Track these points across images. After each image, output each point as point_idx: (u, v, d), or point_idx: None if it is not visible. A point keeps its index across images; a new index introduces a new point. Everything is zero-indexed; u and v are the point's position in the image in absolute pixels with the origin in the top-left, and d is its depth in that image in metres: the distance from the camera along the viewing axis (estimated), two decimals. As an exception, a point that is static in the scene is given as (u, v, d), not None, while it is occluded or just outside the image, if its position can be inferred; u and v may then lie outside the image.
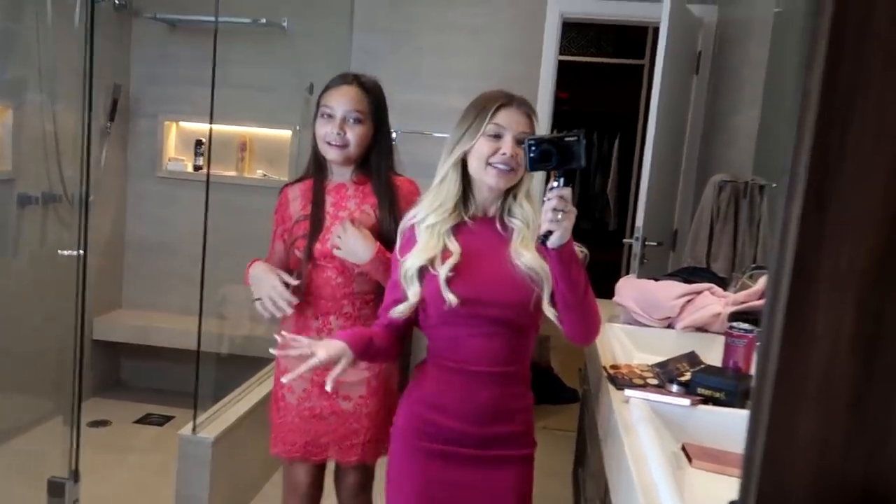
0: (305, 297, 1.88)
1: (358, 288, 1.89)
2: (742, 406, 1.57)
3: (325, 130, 1.85)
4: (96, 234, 3.26)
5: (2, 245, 3.24)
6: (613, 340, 2.11)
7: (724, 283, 2.38)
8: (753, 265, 2.44)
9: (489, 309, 1.53)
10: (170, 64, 3.91)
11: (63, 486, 2.15)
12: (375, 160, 1.91)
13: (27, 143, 3.19)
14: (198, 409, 2.60)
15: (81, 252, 2.19)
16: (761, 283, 2.17)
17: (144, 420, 3.62)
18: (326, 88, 1.89)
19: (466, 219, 1.59)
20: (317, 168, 1.92)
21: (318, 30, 3.80)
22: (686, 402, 1.54)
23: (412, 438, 1.62)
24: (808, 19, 0.58)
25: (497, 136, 1.53)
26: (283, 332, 1.61)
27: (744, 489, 0.65)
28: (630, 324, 2.28)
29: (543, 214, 1.38)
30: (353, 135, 1.85)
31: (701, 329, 2.16)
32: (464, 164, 1.57)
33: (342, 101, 1.85)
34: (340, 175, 1.92)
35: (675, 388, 1.61)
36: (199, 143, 3.96)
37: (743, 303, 2.10)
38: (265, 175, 3.87)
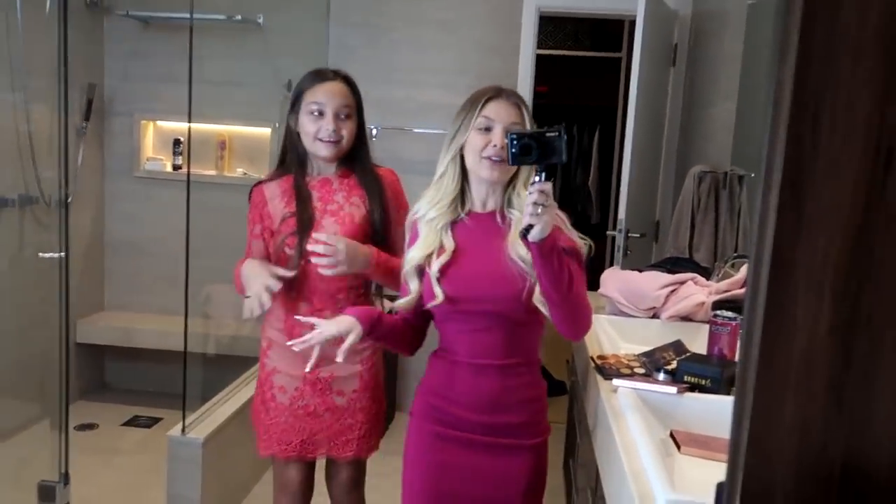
0: (299, 295, 1.88)
1: (351, 282, 1.89)
2: (728, 392, 1.60)
3: (317, 127, 1.84)
4: (76, 235, 3.23)
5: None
6: (599, 331, 2.13)
7: (706, 273, 2.42)
8: (735, 254, 2.48)
9: (481, 304, 1.56)
10: (143, 62, 3.88)
11: (54, 489, 2.15)
12: (359, 153, 1.93)
13: (1, 145, 3.16)
14: (186, 410, 2.60)
15: (63, 254, 2.17)
16: (743, 271, 2.21)
17: (132, 422, 3.60)
18: (309, 85, 1.87)
19: (464, 214, 1.63)
20: (298, 164, 1.91)
21: (293, 25, 3.79)
22: (673, 389, 1.57)
23: (426, 424, 1.67)
24: (778, 17, 0.60)
25: (487, 129, 1.56)
26: (297, 316, 1.69)
27: (731, 471, 0.67)
28: (615, 315, 2.31)
29: (525, 208, 1.41)
30: (346, 130, 1.87)
31: (685, 318, 2.19)
32: (462, 159, 1.61)
33: (333, 98, 1.85)
34: (324, 170, 1.92)
35: (661, 376, 1.63)
36: (177, 142, 3.94)
37: (726, 291, 2.13)
38: (245, 173, 3.86)
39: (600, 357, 1.83)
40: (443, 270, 1.58)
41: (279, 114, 3.68)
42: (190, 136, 2.87)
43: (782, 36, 0.59)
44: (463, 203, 1.63)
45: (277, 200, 1.89)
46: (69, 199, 2.31)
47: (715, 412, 1.52)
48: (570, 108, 6.07)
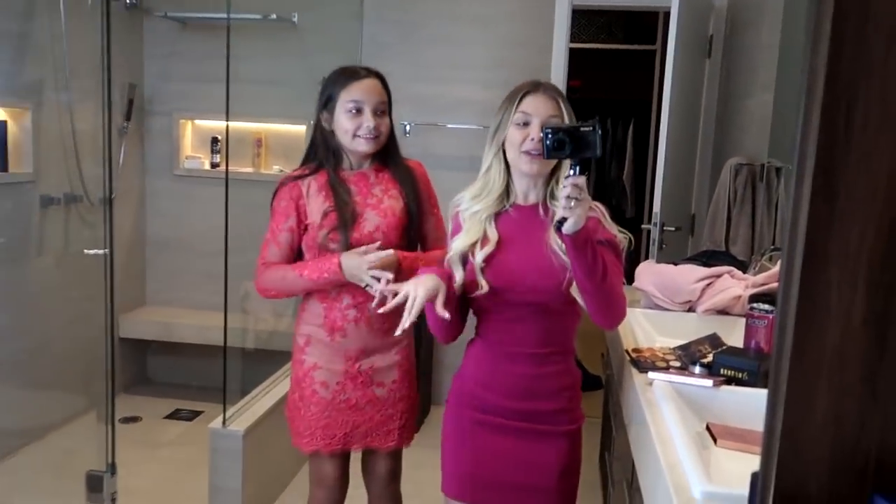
0: (341, 288, 1.89)
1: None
2: (764, 386, 1.59)
3: (356, 124, 1.86)
4: (118, 232, 3.30)
5: (27, 246, 3.30)
6: (634, 325, 2.13)
7: (743, 266, 2.39)
8: (772, 247, 2.45)
9: (523, 294, 1.60)
10: (181, 61, 3.95)
11: (101, 479, 2.22)
12: (392, 147, 1.97)
13: (47, 145, 3.24)
14: (226, 403, 2.66)
15: (108, 251, 2.23)
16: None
17: (174, 415, 3.69)
18: (344, 83, 1.88)
19: (508, 206, 1.66)
20: (335, 160, 1.93)
21: (327, 23, 3.83)
22: (709, 382, 1.57)
23: (463, 410, 1.71)
24: (811, 5, 0.60)
25: (526, 124, 1.59)
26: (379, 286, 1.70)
27: (764, 462, 0.68)
28: (650, 308, 2.30)
29: (559, 201, 1.44)
30: (384, 126, 1.90)
31: (722, 312, 2.18)
32: (505, 153, 1.64)
33: (370, 94, 1.88)
34: (360, 165, 1.95)
35: (697, 369, 1.63)
36: (215, 140, 4.01)
37: (763, 285, 2.11)
38: (281, 170, 3.90)
39: (635, 350, 1.83)
40: (487, 261, 1.61)
41: (314, 111, 3.71)
42: (228, 134, 2.91)
43: (815, 24, 0.59)
44: (507, 196, 1.67)
45: (315, 196, 1.90)
46: (113, 197, 2.36)
47: (751, 405, 1.51)
48: (604, 102, 6.03)
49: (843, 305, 0.61)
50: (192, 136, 4.10)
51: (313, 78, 3.58)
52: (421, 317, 1.59)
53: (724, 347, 1.79)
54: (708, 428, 1.46)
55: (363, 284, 1.82)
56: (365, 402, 1.96)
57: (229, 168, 2.89)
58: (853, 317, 0.62)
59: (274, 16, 3.68)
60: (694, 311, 2.24)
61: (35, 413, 3.21)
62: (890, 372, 0.62)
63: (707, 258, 2.45)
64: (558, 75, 3.68)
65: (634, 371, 1.72)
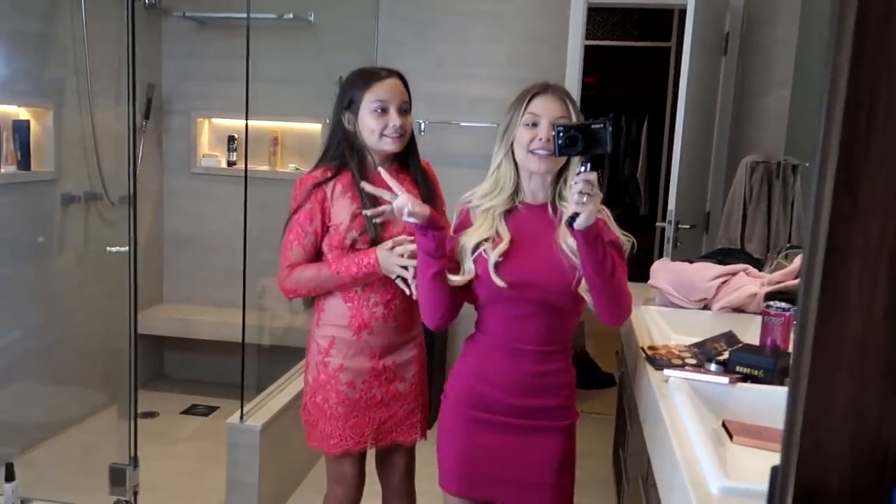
0: (368, 287, 1.91)
1: None
2: (781, 383, 1.60)
3: (382, 123, 1.87)
4: (137, 230, 3.35)
5: (50, 244, 3.35)
6: (650, 322, 2.14)
7: (759, 264, 2.39)
8: (788, 245, 2.44)
9: (532, 291, 1.62)
10: (199, 61, 3.99)
11: (124, 472, 2.25)
12: (412, 147, 1.99)
13: (68, 144, 3.29)
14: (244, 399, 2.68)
15: (131, 248, 2.27)
16: (797, 262, 2.18)
17: (190, 411, 3.72)
18: (367, 83, 1.89)
19: (518, 204, 1.69)
20: (360, 161, 1.93)
21: (343, 21, 3.85)
22: (725, 380, 1.57)
23: (461, 408, 1.73)
24: (833, 6, 0.61)
25: (534, 125, 1.62)
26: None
27: (785, 455, 0.68)
28: (666, 306, 2.30)
29: (571, 197, 1.47)
30: (409, 124, 1.92)
31: (737, 310, 2.18)
32: (514, 153, 1.67)
33: (395, 94, 1.89)
34: (383, 165, 1.95)
35: (713, 366, 1.63)
36: (231, 138, 4.04)
37: (779, 282, 2.11)
38: (297, 168, 3.93)
39: (651, 348, 1.84)
40: (501, 258, 1.63)
41: (330, 109, 3.73)
42: (247, 133, 2.94)
43: (838, 19, 0.60)
44: (516, 195, 1.69)
45: (340, 197, 1.90)
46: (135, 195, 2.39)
47: (768, 402, 1.52)
48: (619, 99, 6.01)
49: (864, 299, 0.62)
50: (209, 134, 4.13)
51: (329, 76, 3.63)
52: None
53: (740, 345, 1.80)
54: (724, 425, 1.47)
55: (394, 276, 1.85)
56: (389, 397, 1.98)
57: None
58: (874, 310, 0.62)
59: (291, 15, 3.70)
60: (709, 308, 2.24)
61: (56, 408, 3.25)
62: (911, 365, 0.63)
63: (722, 256, 2.45)
64: (573, 72, 3.68)
65: (650, 368, 1.73)
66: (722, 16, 3.52)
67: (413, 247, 1.82)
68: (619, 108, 6.01)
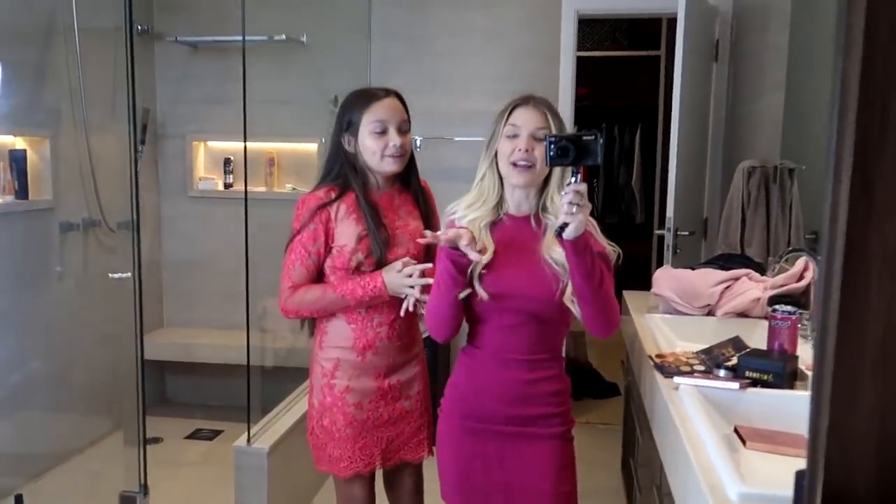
0: (371, 309, 1.91)
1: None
2: (790, 387, 1.60)
3: (382, 144, 1.87)
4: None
5: (49, 272, 3.34)
6: (655, 330, 2.14)
7: (760, 268, 2.40)
8: (789, 248, 2.45)
9: (517, 302, 1.62)
10: (193, 85, 4.00)
11: (135, 499, 2.23)
12: (412, 167, 2.00)
13: (65, 171, 3.28)
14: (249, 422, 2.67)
15: (135, 274, 2.26)
16: (798, 265, 2.19)
17: (195, 435, 3.70)
18: (366, 104, 1.89)
19: (503, 216, 1.69)
20: (363, 182, 1.92)
21: (336, 41, 3.86)
22: (735, 385, 1.57)
23: (455, 418, 1.74)
24: (841, 7, 0.61)
25: (514, 136, 1.63)
26: (426, 232, 1.68)
27: (811, 459, 0.68)
28: (669, 313, 2.31)
29: (561, 207, 1.48)
30: (408, 143, 1.92)
31: (741, 314, 2.18)
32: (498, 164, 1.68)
33: (394, 114, 1.89)
34: (384, 186, 1.96)
35: (722, 372, 1.63)
36: (227, 161, 4.05)
37: (782, 286, 2.12)
38: (294, 188, 3.94)
39: (659, 356, 1.84)
40: (483, 269, 1.63)
41: (325, 129, 3.75)
42: (246, 155, 2.94)
43: (846, 26, 0.60)
44: (501, 206, 1.70)
45: (345, 219, 1.89)
46: (136, 220, 2.39)
47: (779, 406, 1.52)
48: (611, 109, 6.05)
49: (884, 300, 0.62)
50: (205, 157, 4.14)
51: (324, 96, 3.64)
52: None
53: (748, 350, 1.80)
54: (736, 430, 1.47)
55: (405, 297, 1.86)
56: (396, 416, 1.97)
57: (243, 188, 2.92)
58: (894, 311, 0.63)
59: (283, 36, 3.72)
60: (713, 314, 2.25)
61: (60, 436, 3.23)
62: (934, 366, 0.63)
63: (724, 261, 2.45)
64: (566, 84, 3.70)
65: (658, 376, 1.73)
66: (711, 23, 3.55)
67: (421, 267, 1.83)
68: (611, 118, 6.04)
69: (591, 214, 1.53)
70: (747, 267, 2.35)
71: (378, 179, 1.94)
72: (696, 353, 1.83)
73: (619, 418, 3.19)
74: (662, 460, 1.63)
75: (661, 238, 3.30)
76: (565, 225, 1.45)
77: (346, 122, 1.91)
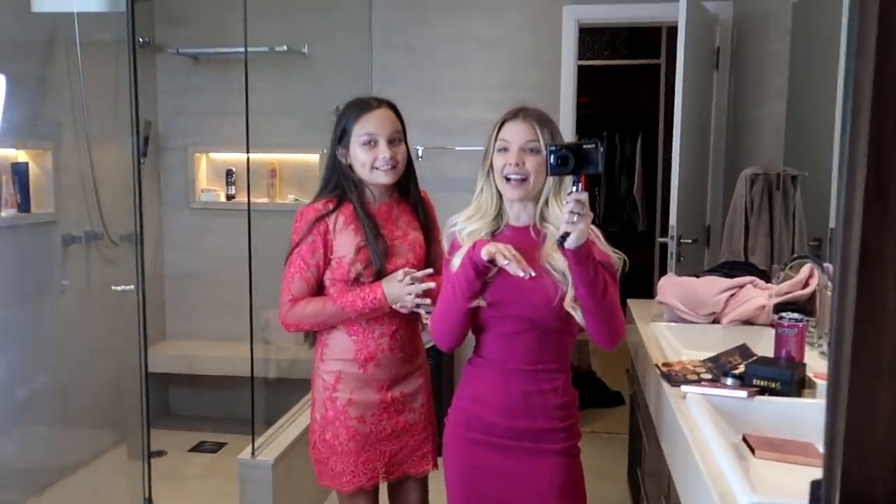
0: (372, 320, 1.90)
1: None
2: (798, 395, 1.59)
3: (372, 156, 1.86)
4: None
5: (52, 285, 3.33)
6: (660, 339, 2.13)
7: (764, 276, 2.39)
8: (793, 256, 2.44)
9: (516, 309, 1.62)
10: (195, 96, 4.01)
11: (139, 513, 2.22)
12: (410, 177, 1.98)
13: (67, 184, 3.28)
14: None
15: (139, 286, 2.25)
16: (804, 272, 2.18)
17: (198, 448, 3.69)
18: (356, 116, 1.88)
19: (503, 227, 1.70)
20: (359, 194, 1.92)
21: (337, 51, 3.87)
22: (743, 393, 1.56)
23: (459, 430, 1.73)
24: (853, 13, 0.61)
25: (505, 150, 1.63)
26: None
27: (828, 468, 0.67)
28: (674, 321, 2.30)
29: (562, 217, 1.47)
30: (400, 155, 1.90)
31: (747, 322, 2.17)
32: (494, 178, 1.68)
33: (383, 125, 1.88)
34: (382, 197, 1.95)
35: (729, 381, 1.62)
36: (229, 172, 4.05)
37: (787, 293, 2.11)
38: (296, 199, 3.94)
39: (665, 364, 1.83)
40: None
41: (327, 139, 3.74)
42: (249, 167, 2.94)
43: (860, 23, 0.60)
44: (500, 217, 1.71)
45: (343, 230, 1.88)
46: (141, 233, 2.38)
47: (788, 415, 1.51)
48: (612, 118, 6.06)
49: (901, 305, 0.61)
50: (207, 169, 4.14)
51: (325, 107, 3.64)
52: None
53: (755, 358, 1.79)
54: (745, 439, 1.45)
55: (409, 307, 1.85)
56: (399, 429, 1.96)
57: (245, 199, 2.92)
58: (912, 317, 0.62)
59: (284, 47, 3.73)
60: (718, 322, 2.24)
61: (64, 450, 3.21)
62: (952, 371, 0.62)
63: (729, 269, 2.44)
64: (567, 93, 3.71)
65: (665, 385, 1.71)
66: (712, 30, 3.56)
67: (420, 273, 1.84)
68: (612, 126, 6.05)
69: (594, 223, 1.52)
70: (752, 274, 2.35)
71: (373, 190, 1.93)
72: (703, 361, 1.82)
73: (625, 427, 3.17)
74: (671, 470, 1.61)
75: (664, 246, 3.30)
76: (567, 234, 1.44)
77: (340, 133, 1.91)
